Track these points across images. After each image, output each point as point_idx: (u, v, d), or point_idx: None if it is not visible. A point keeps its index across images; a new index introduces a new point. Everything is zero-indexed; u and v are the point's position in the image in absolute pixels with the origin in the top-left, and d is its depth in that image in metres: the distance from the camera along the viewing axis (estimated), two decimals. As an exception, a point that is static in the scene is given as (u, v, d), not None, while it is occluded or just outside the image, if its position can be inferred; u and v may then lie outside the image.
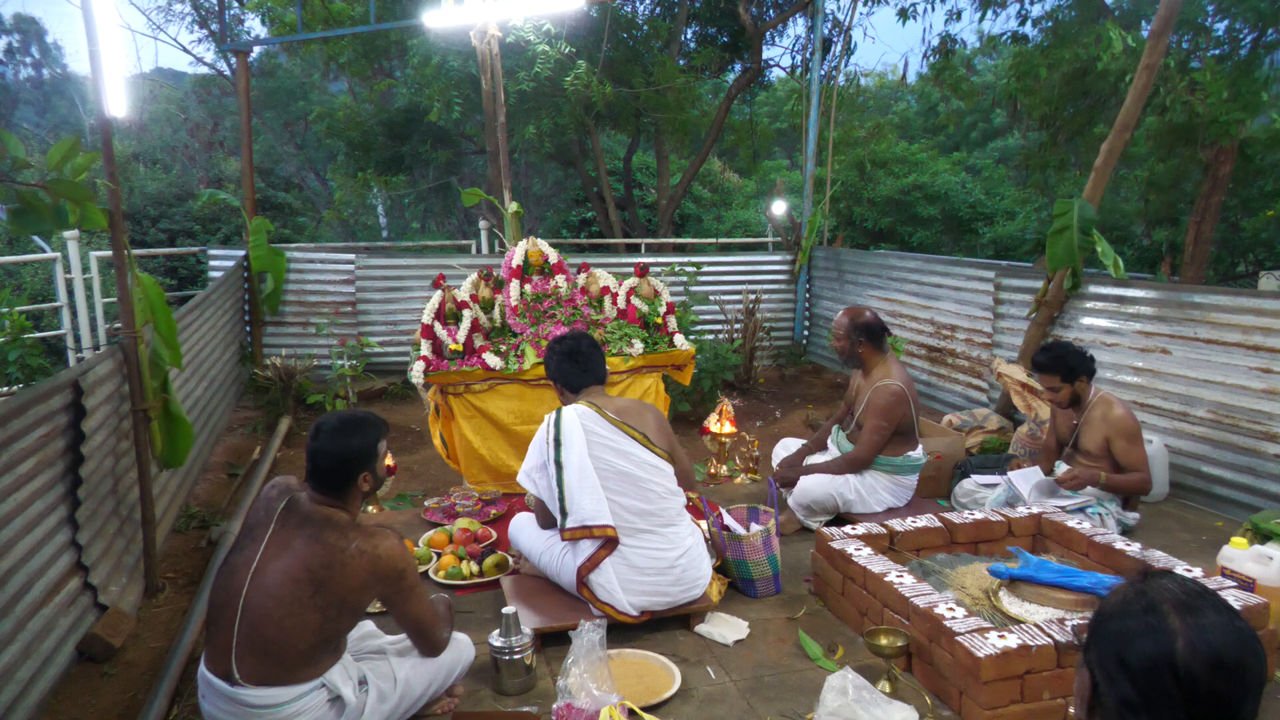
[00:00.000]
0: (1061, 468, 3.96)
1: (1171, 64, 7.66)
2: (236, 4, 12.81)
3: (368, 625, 2.60)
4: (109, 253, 4.52)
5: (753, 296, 7.66)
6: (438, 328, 4.47)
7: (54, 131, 18.41)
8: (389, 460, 2.45)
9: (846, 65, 11.68)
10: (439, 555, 3.64)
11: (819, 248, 8.55)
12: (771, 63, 12.07)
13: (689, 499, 3.24)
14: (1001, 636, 2.47)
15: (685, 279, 7.18)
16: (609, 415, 3.05)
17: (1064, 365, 3.79)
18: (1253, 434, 4.16)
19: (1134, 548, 3.12)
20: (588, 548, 2.95)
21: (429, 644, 2.42)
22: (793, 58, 12.10)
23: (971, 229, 14.79)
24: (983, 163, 16.34)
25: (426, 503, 4.34)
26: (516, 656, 2.64)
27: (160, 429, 3.63)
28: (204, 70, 14.68)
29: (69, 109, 19.79)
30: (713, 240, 13.73)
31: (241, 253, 7.25)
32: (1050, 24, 9.47)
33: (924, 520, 3.47)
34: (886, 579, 2.87)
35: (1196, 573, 2.85)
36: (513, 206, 6.02)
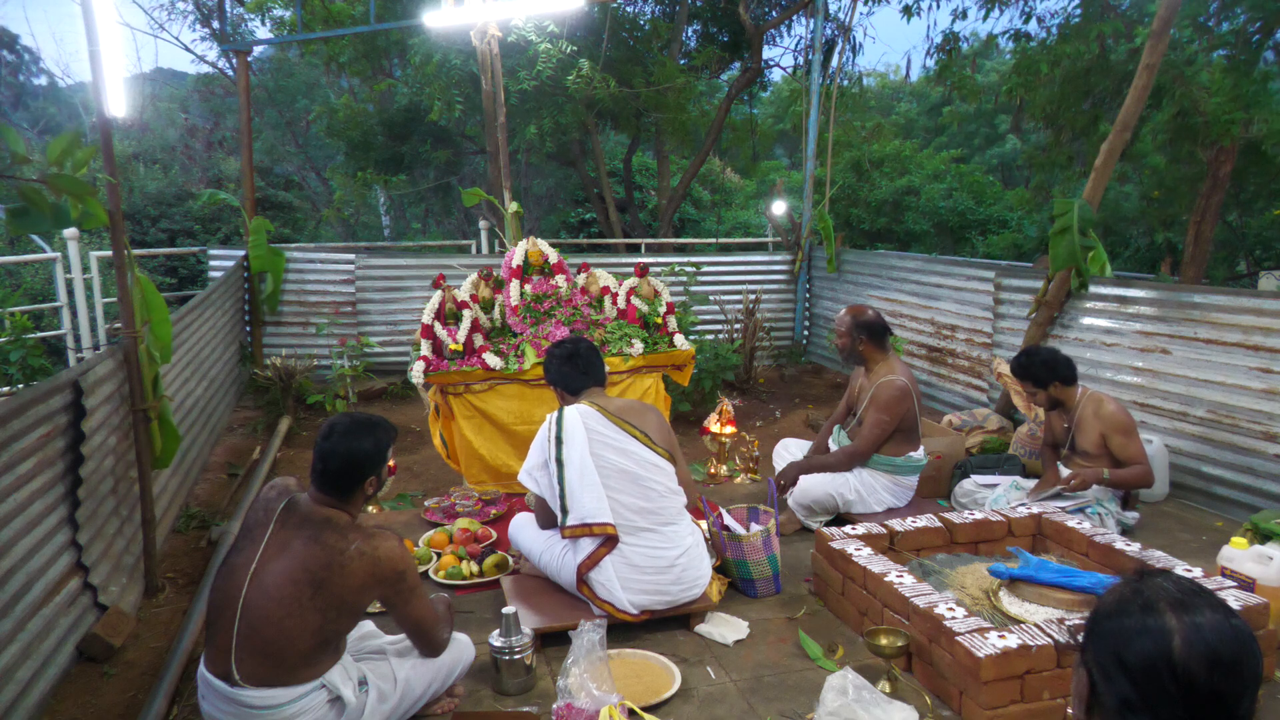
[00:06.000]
0: (1064, 472, 3.97)
1: (1181, 62, 7.66)
2: (238, 4, 12.81)
3: (368, 625, 2.60)
4: (109, 252, 4.52)
5: (753, 296, 7.67)
6: (438, 328, 4.47)
7: (48, 127, 18.37)
8: (390, 462, 2.45)
9: (852, 65, 11.67)
10: (439, 555, 3.64)
11: (819, 248, 8.54)
12: (772, 63, 12.07)
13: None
14: (1001, 636, 2.47)
15: (685, 279, 7.18)
16: (610, 414, 3.06)
17: (1031, 374, 3.90)
18: (1253, 434, 4.16)
19: (1134, 548, 3.12)
20: (588, 545, 2.96)
21: (429, 644, 2.42)
22: (796, 58, 12.11)
23: (964, 239, 14.80)
24: (965, 169, 16.30)
25: (426, 503, 4.34)
26: (516, 656, 2.64)
27: (156, 429, 3.63)
28: (206, 69, 14.67)
29: (59, 110, 19.74)
30: (713, 240, 13.73)
31: (241, 253, 7.26)
32: (1059, 21, 9.50)
33: (924, 520, 3.47)
34: (886, 579, 2.87)
35: (1196, 573, 2.85)
36: (513, 206, 6.03)
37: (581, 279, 4.90)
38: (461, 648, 2.55)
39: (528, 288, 4.74)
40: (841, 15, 10.75)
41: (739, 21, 10.55)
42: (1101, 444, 3.78)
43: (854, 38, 11.10)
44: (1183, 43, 8.68)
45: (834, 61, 9.79)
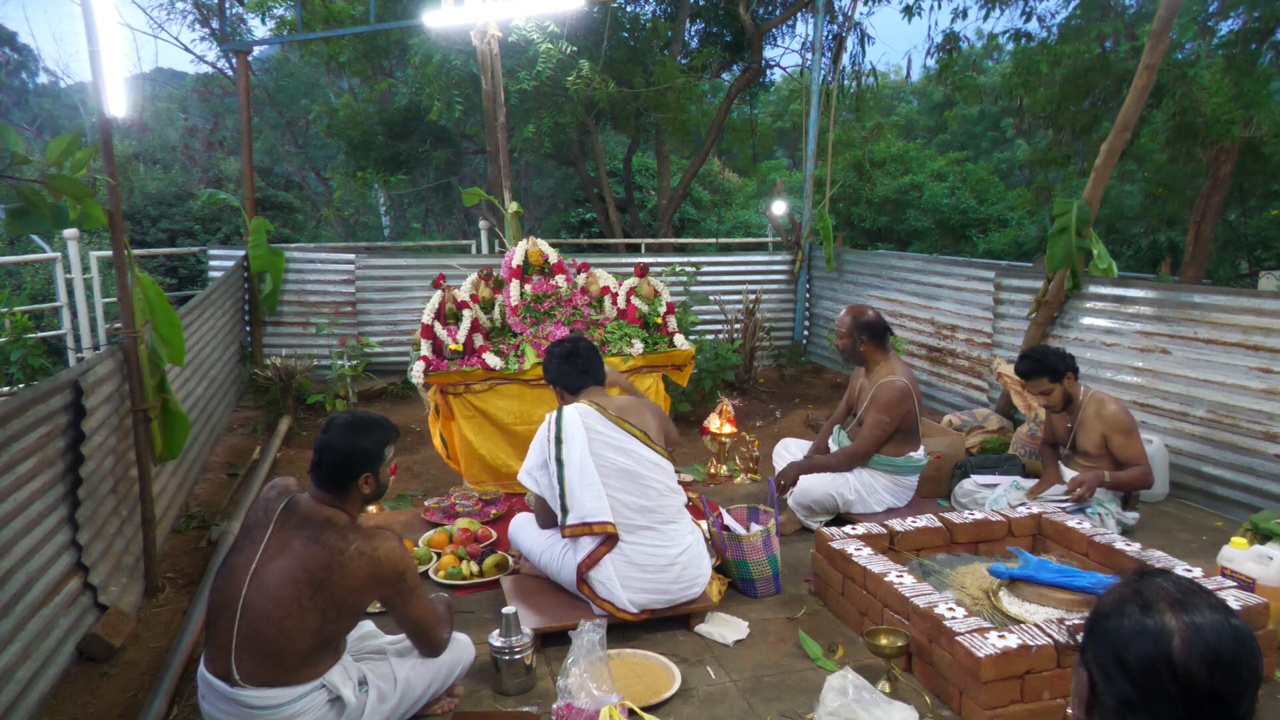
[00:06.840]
0: (1065, 472, 3.97)
1: (1182, 63, 7.66)
2: (238, 3, 12.80)
3: (368, 625, 2.61)
4: (109, 252, 4.53)
5: (753, 296, 7.66)
6: (438, 328, 4.47)
7: (47, 126, 18.37)
8: (391, 463, 2.45)
9: (863, 61, 11.67)
10: (439, 555, 3.64)
11: (819, 248, 8.54)
12: (772, 63, 12.07)
13: (689, 498, 3.24)
14: (1001, 636, 2.47)
15: (685, 279, 7.18)
16: (610, 413, 3.06)
17: (1046, 366, 3.84)
18: (1252, 434, 4.16)
19: (1134, 548, 3.12)
20: (588, 545, 2.96)
21: (429, 645, 2.42)
22: (801, 58, 12.11)
23: (965, 236, 14.81)
24: (969, 167, 16.30)
25: (426, 503, 4.34)
26: (516, 656, 2.65)
27: (158, 425, 3.63)
28: (205, 69, 14.67)
29: (59, 110, 19.74)
30: (713, 240, 13.73)
31: (241, 253, 7.25)
32: (1060, 21, 9.52)
33: (924, 520, 3.47)
34: (886, 579, 2.87)
35: (1196, 573, 2.85)
36: (513, 206, 6.03)
37: (581, 279, 4.90)
38: (461, 648, 2.55)
39: (528, 288, 4.74)
40: (844, 14, 10.76)
41: (740, 21, 10.55)
42: (1102, 444, 3.78)
43: (862, 31, 11.11)
44: (1183, 43, 8.68)
45: (843, 59, 9.78)
